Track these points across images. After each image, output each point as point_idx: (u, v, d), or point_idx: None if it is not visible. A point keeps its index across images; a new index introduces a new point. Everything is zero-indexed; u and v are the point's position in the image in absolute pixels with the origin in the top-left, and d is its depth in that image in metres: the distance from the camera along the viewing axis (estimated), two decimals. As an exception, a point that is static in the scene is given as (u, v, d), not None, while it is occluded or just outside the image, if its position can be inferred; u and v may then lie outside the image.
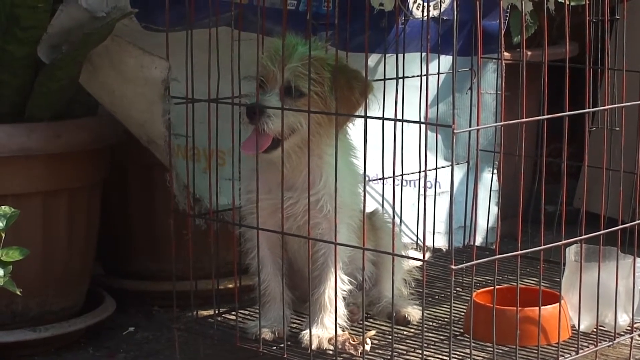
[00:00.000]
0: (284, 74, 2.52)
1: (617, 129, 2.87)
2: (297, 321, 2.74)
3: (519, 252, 2.45)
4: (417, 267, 3.00)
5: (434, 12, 3.24)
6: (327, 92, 2.54)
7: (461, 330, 2.74)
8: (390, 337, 2.56)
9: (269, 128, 2.52)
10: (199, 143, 2.76)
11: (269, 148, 2.55)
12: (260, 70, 2.55)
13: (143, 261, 3.24)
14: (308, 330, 2.60)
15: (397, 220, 3.06)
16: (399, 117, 2.47)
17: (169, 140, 2.72)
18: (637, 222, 2.70)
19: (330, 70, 2.53)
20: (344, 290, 2.64)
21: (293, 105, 2.53)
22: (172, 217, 2.70)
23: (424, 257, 2.53)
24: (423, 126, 2.89)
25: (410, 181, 3.31)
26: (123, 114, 2.87)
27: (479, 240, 3.40)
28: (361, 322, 2.57)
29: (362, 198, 2.50)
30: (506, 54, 3.45)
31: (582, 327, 2.66)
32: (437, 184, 3.30)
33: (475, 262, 2.40)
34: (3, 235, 2.24)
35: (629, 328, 2.75)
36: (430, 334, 2.73)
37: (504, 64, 2.77)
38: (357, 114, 2.55)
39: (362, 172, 2.50)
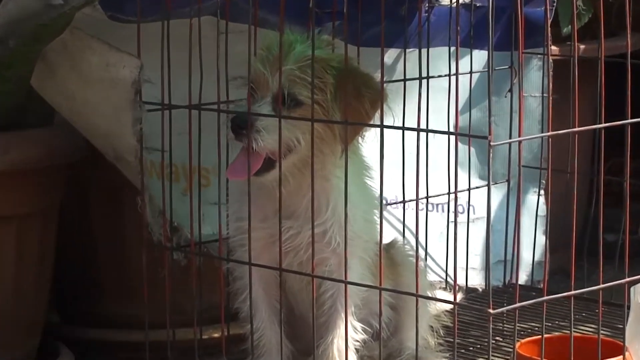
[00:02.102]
0: (281, 77, 2.49)
1: (692, 139, 2.86)
2: (299, 379, 2.74)
3: (572, 292, 2.45)
4: (447, 311, 3.00)
5: (465, -2, 3.25)
6: (329, 102, 2.52)
7: (501, 389, 2.75)
8: (413, 398, 2.55)
9: (258, 146, 2.50)
10: (177, 159, 2.77)
11: (260, 170, 2.53)
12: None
13: (109, 305, 3.24)
14: (312, 390, 2.60)
15: (421, 253, 3.06)
16: (423, 126, 2.47)
17: (141, 156, 2.71)
18: None
19: (334, 74, 2.52)
20: (357, 341, 2.65)
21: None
22: (145, 250, 2.70)
23: (455, 298, 2.52)
24: (453, 137, 2.88)
25: (437, 205, 3.32)
26: (85, 124, 2.88)
27: (522, 278, 3.41)
28: (378, 379, 2.57)
29: (379, 227, 2.49)
30: (554, 48, 3.45)
31: (651, 384, 2.65)
32: (471, 208, 3.32)
33: (518, 304, 2.40)
34: None
35: None
36: (463, 394, 2.75)
37: (551, 61, 2.77)
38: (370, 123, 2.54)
39: (378, 195, 2.50)
